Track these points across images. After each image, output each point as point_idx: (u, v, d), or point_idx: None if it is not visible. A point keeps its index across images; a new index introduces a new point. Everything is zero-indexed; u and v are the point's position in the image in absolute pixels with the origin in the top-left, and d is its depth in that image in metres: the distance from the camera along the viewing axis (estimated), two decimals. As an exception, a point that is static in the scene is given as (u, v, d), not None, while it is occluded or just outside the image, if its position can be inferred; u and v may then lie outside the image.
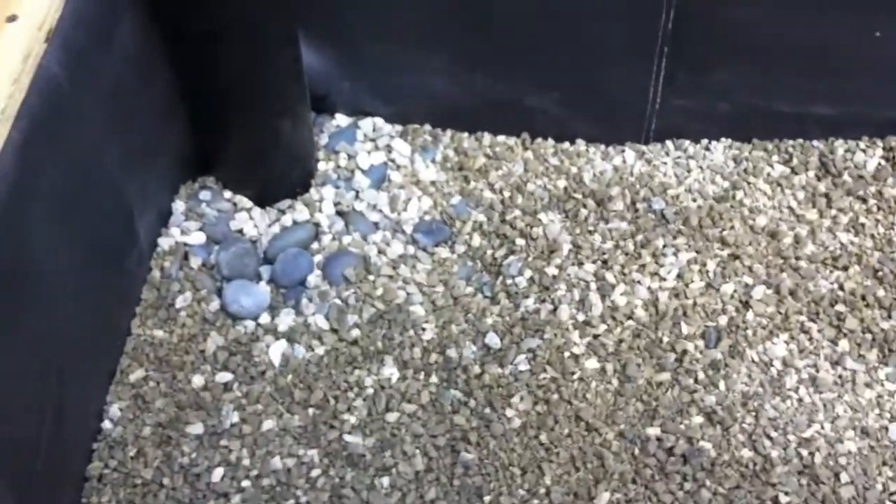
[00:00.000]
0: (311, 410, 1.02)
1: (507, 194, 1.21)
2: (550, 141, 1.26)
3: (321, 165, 1.21)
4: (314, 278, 1.13)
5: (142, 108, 1.03)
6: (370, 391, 1.04)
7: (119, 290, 1.04)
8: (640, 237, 1.16)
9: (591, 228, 1.17)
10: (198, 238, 1.14)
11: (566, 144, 1.26)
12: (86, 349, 0.96)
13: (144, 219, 1.07)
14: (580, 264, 1.14)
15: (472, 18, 1.15)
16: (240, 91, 1.05)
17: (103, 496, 0.95)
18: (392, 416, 1.02)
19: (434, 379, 1.05)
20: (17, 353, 0.82)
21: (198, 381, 1.03)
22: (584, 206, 1.19)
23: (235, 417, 1.01)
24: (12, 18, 0.85)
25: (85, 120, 0.92)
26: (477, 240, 1.18)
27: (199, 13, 0.96)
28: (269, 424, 1.01)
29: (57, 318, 0.89)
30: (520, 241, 1.16)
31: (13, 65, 0.83)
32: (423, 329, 1.09)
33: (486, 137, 1.27)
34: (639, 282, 1.12)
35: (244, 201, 1.17)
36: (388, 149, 1.24)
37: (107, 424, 1.00)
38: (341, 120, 1.26)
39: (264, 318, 1.10)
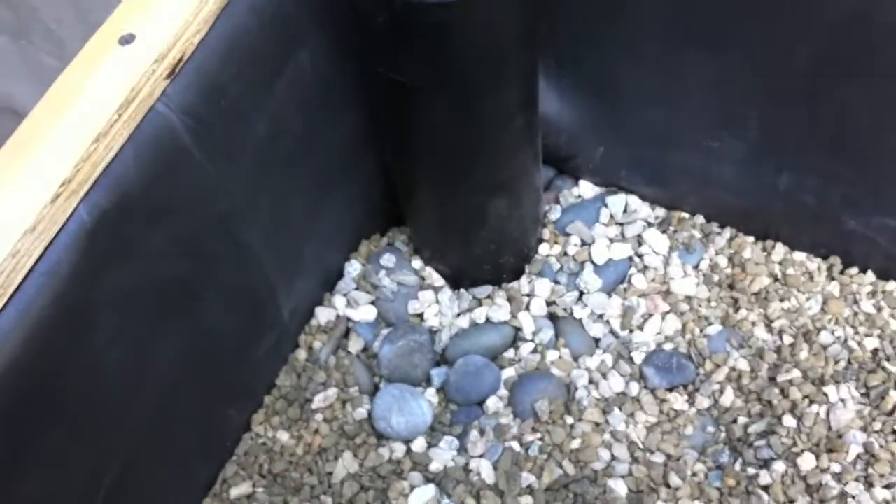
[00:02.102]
0: None
1: (787, 340, 0.86)
2: (870, 275, 0.89)
3: (543, 248, 0.92)
4: (496, 402, 0.86)
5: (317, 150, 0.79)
6: None
7: (242, 380, 0.82)
8: (974, 466, 0.78)
9: (900, 429, 0.81)
10: (366, 314, 0.89)
11: (891, 285, 0.89)
12: (177, 445, 0.75)
13: (296, 288, 0.84)
14: (869, 485, 0.78)
15: (798, 99, 0.79)
16: (439, 157, 0.77)
17: None
18: None
19: None
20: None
21: (312, 515, 0.80)
22: (899, 388, 0.82)
23: (344, 581, 0.77)
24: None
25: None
26: (730, 396, 0.84)
27: (400, 63, 0.68)
28: None
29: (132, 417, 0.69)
30: (788, 421, 0.81)
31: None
32: (620, 521, 0.79)
33: (779, 250, 0.92)
34: (956, 540, 0.75)
35: (434, 277, 0.90)
36: (639, 240, 0.93)
37: (185, 552, 0.79)
38: (585, 189, 0.95)
39: (419, 444, 0.84)
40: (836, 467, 0.79)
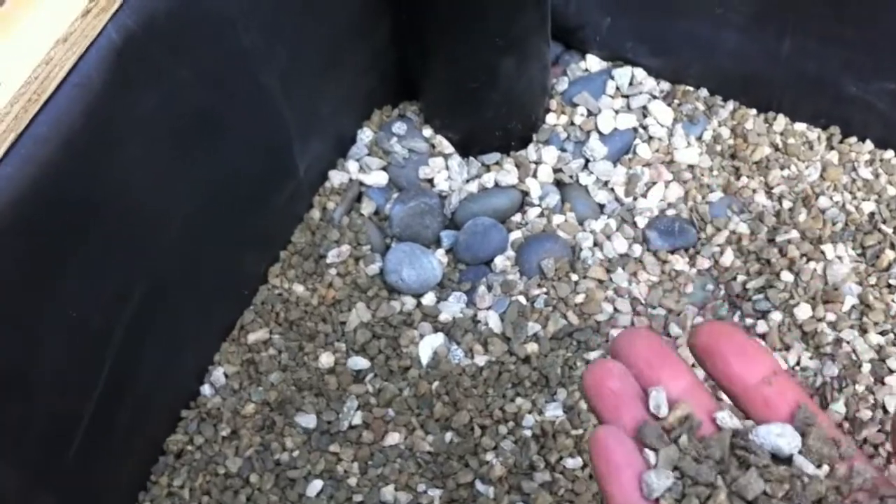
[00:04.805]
0: (449, 435, 0.79)
1: (786, 205, 0.89)
2: (868, 144, 0.92)
3: (550, 118, 0.94)
4: (503, 261, 0.88)
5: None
6: (527, 433, 0.79)
7: (260, 228, 0.84)
8: (963, 314, 0.81)
9: (893, 282, 0.83)
10: (378, 178, 0.92)
11: (889, 153, 0.91)
12: (199, 285, 0.78)
13: (311, 146, 0.86)
14: (863, 331, 0.81)
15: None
16: (448, 13, 0.80)
17: (176, 478, 0.78)
18: (543, 478, 0.77)
19: (617, 437, 0.78)
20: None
21: (327, 360, 0.83)
22: (893, 247, 0.85)
23: (358, 418, 0.80)
24: None
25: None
26: (729, 257, 0.87)
27: None
28: (394, 438, 0.79)
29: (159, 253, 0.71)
30: (786, 276, 0.84)
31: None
32: (622, 365, 0.81)
33: (780, 121, 0.94)
34: (943, 379, 0.78)
35: (444, 145, 0.93)
36: (644, 112, 0.95)
37: (206, 390, 0.82)
38: (592, 63, 0.97)
39: (428, 298, 0.87)
40: (831, 316, 0.82)
